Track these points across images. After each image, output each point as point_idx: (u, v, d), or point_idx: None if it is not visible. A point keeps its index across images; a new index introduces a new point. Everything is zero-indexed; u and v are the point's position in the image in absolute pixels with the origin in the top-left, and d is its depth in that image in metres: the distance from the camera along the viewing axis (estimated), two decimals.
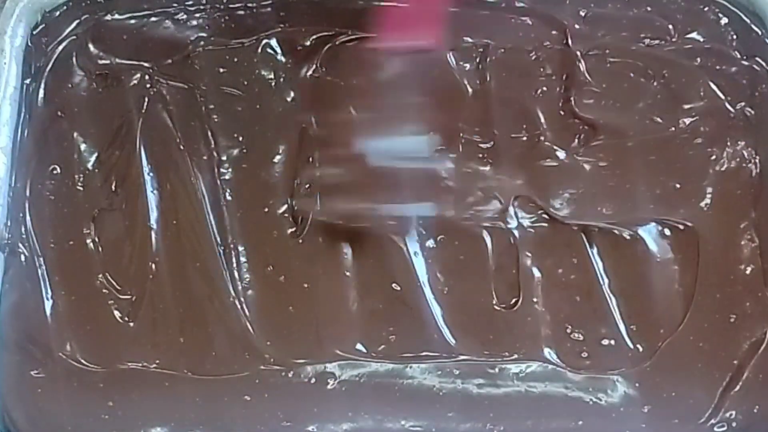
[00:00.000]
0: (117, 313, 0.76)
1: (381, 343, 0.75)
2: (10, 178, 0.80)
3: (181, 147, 0.81)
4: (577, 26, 0.86)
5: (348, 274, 0.77)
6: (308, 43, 0.85)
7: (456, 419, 0.73)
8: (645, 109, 0.83)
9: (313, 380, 0.74)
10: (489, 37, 0.86)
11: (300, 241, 0.78)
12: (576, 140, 0.82)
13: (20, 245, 0.78)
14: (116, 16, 0.87)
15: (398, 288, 0.77)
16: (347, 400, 0.73)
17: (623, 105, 0.83)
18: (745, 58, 0.85)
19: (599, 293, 0.77)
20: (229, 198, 0.80)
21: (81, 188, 0.80)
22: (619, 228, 0.78)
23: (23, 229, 0.78)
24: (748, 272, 0.77)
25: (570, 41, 0.85)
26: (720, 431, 0.73)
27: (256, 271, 0.77)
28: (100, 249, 0.78)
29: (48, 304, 0.76)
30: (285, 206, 0.79)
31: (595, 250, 0.78)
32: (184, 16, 0.87)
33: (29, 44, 0.85)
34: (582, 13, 0.87)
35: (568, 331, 0.76)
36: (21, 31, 0.84)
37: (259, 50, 0.85)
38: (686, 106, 0.83)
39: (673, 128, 0.82)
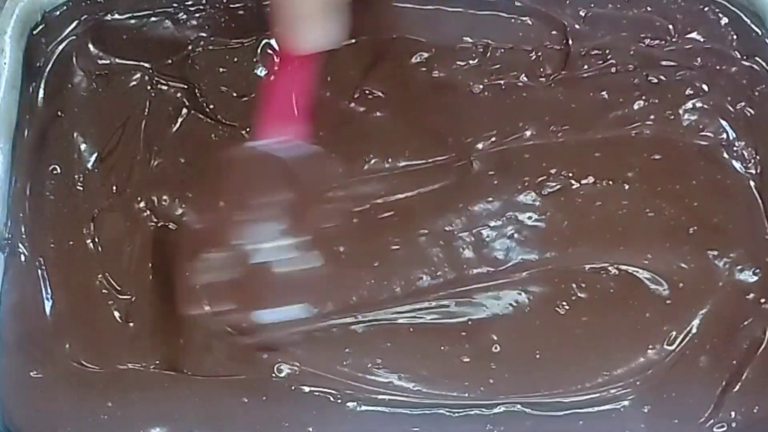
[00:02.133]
0: (117, 314, 0.76)
1: None
2: (10, 178, 0.80)
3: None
4: (577, 26, 0.86)
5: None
6: None
7: (456, 420, 0.73)
8: (644, 109, 0.83)
9: None
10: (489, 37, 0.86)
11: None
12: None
13: (20, 245, 0.77)
14: (116, 16, 0.86)
15: None
16: (347, 404, 0.74)
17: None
18: (745, 58, 0.85)
19: None
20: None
21: (81, 188, 0.80)
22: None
23: (23, 229, 0.78)
24: (749, 273, 0.77)
25: (570, 41, 0.85)
26: (720, 431, 0.73)
27: None
28: (100, 249, 0.78)
29: (48, 304, 0.76)
30: None
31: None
32: (184, 16, 0.87)
33: (29, 44, 0.84)
34: (582, 13, 0.87)
35: None
36: (21, 31, 0.84)
37: (259, 50, 0.85)
38: (686, 106, 0.83)
39: (673, 129, 0.82)
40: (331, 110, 0.82)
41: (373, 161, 0.81)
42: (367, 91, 0.83)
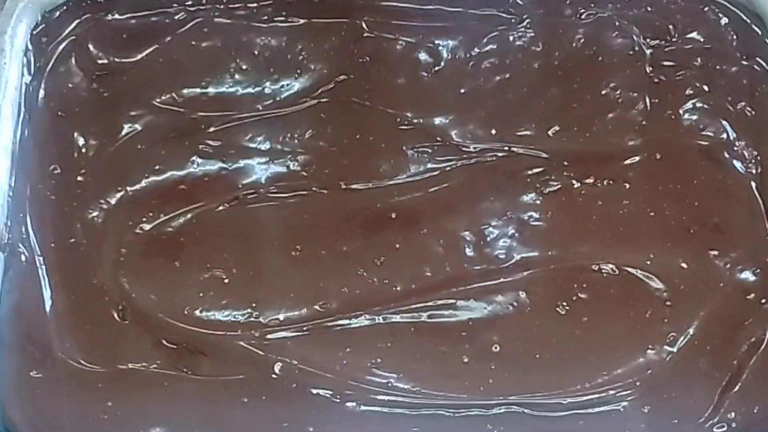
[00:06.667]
0: (116, 314, 0.76)
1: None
2: (10, 178, 0.79)
3: (185, 144, 0.81)
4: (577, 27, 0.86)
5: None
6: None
7: (456, 420, 0.73)
8: (644, 109, 0.83)
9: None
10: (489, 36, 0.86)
11: (298, 248, 0.78)
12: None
13: (20, 245, 0.77)
14: (116, 16, 0.87)
15: None
16: (346, 404, 0.74)
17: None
18: (745, 58, 0.85)
19: None
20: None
21: (81, 188, 0.80)
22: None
23: (23, 229, 0.78)
24: (749, 273, 0.77)
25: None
26: (719, 431, 0.73)
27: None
28: (100, 249, 0.78)
29: (48, 304, 0.76)
30: None
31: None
32: (184, 16, 0.87)
33: (29, 44, 0.84)
34: (583, 14, 0.87)
35: None
36: (21, 31, 0.84)
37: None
38: (686, 106, 0.83)
39: (673, 129, 0.82)
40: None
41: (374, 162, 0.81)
42: (368, 87, 0.84)
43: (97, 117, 0.83)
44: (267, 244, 0.78)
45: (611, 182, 0.80)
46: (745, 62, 0.85)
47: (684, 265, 0.78)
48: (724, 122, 0.83)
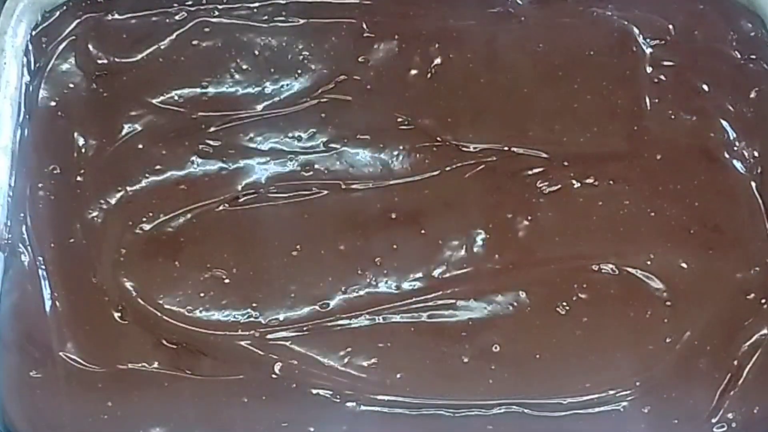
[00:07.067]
0: (116, 314, 0.76)
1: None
2: (10, 178, 0.79)
3: (185, 144, 0.81)
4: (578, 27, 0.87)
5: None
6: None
7: (456, 420, 0.73)
8: (645, 108, 0.83)
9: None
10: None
11: (298, 248, 0.78)
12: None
13: (20, 245, 0.77)
14: (116, 16, 0.87)
15: None
16: (346, 404, 0.73)
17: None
18: (745, 58, 0.85)
19: None
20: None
21: (81, 188, 0.80)
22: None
23: (23, 229, 0.78)
24: (749, 273, 0.77)
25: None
26: (719, 431, 0.73)
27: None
28: (100, 249, 0.78)
29: (48, 304, 0.76)
30: None
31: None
32: (184, 16, 0.87)
33: (29, 44, 0.84)
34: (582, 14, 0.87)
35: None
36: (21, 31, 0.84)
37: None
38: (686, 106, 0.83)
39: (673, 129, 0.82)
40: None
41: (374, 162, 0.81)
42: (368, 87, 0.84)
43: (97, 117, 0.83)
44: (267, 244, 0.78)
45: (611, 182, 0.80)
46: (744, 62, 0.85)
47: (684, 265, 0.78)
48: (724, 122, 0.83)
